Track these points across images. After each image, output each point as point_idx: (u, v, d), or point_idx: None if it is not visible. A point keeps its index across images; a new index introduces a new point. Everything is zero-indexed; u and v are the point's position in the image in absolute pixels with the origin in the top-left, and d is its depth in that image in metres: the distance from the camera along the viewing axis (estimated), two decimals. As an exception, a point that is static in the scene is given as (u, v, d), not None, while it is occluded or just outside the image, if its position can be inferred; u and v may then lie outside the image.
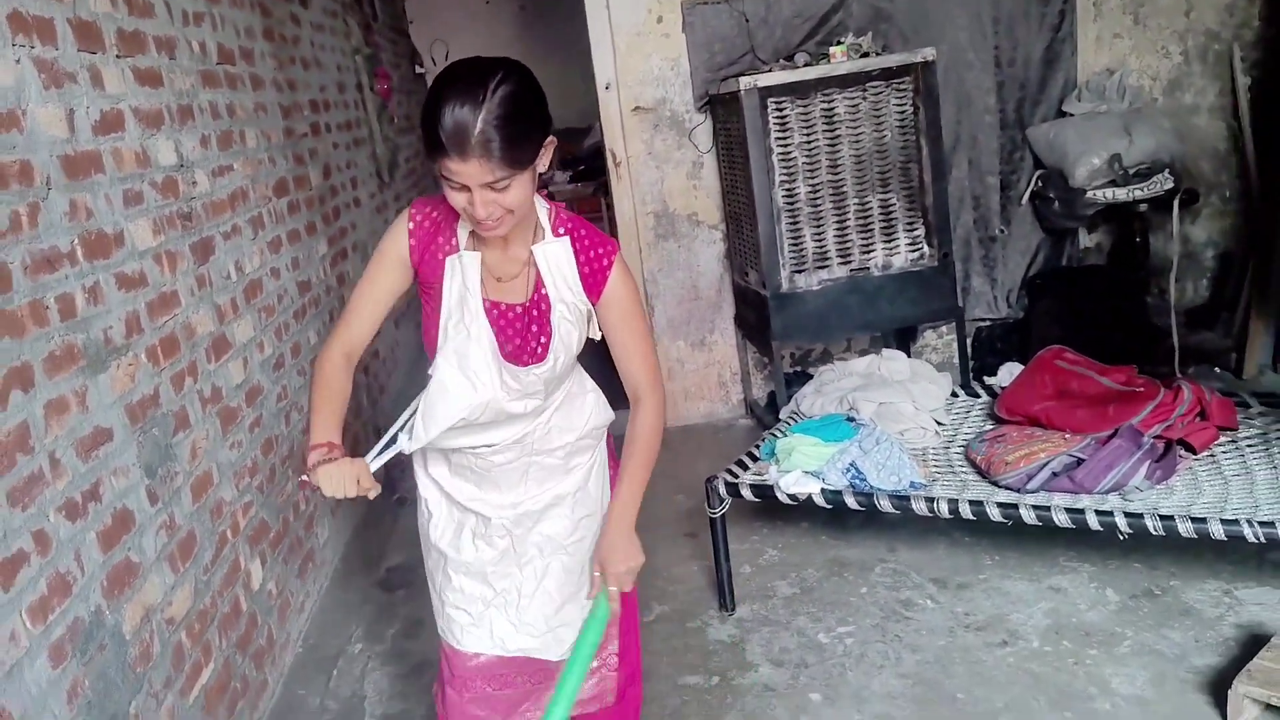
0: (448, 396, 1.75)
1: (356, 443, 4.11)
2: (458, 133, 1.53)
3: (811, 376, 4.11)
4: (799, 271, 4.01)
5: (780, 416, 3.71)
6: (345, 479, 1.66)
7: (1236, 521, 2.46)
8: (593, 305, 1.82)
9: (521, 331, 1.79)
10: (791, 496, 2.93)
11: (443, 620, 2.02)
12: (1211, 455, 2.93)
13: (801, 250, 4.00)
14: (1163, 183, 4.24)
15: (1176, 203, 4.30)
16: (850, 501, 2.88)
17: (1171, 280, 4.40)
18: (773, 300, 3.98)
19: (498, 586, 1.97)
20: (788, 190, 3.95)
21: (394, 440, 1.82)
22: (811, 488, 2.91)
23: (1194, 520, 2.49)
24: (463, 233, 1.77)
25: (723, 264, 4.67)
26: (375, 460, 1.75)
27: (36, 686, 1.75)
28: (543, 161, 1.66)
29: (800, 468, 2.97)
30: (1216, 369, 4.49)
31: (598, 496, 2.00)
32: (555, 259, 1.79)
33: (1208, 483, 2.78)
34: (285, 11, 3.96)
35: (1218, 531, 2.45)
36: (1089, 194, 4.31)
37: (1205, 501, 2.67)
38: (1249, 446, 2.95)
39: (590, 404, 1.98)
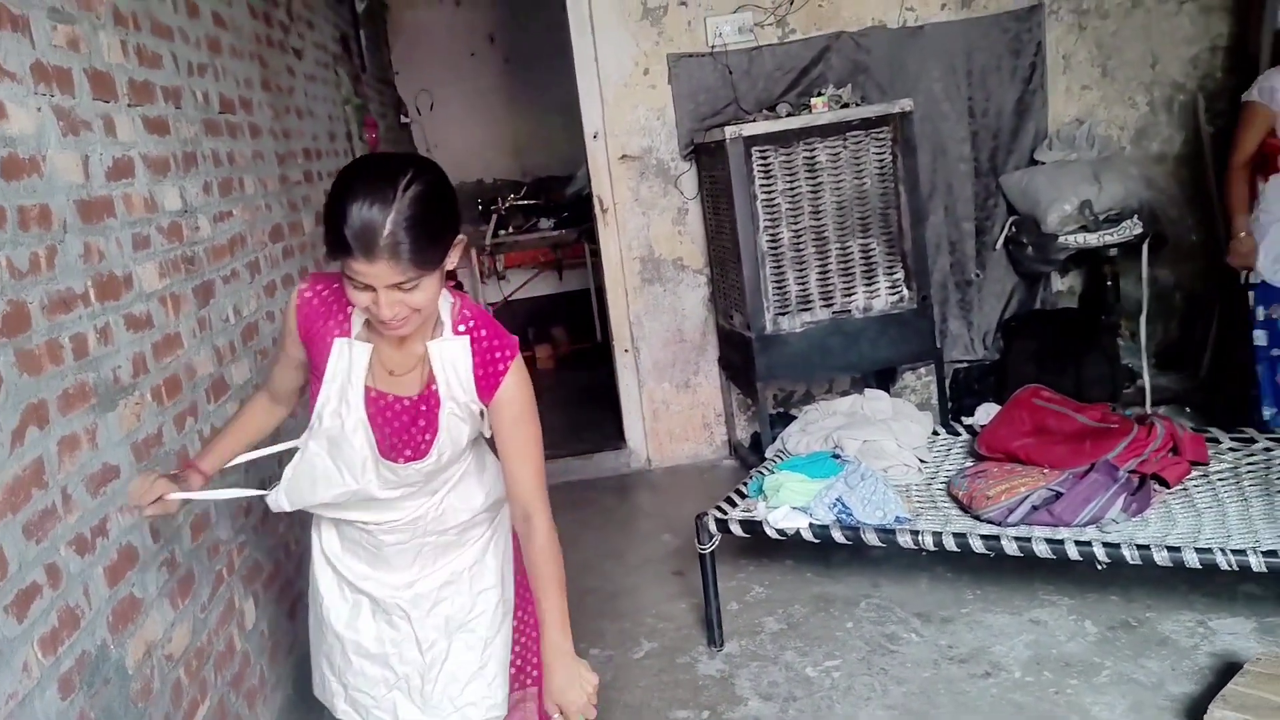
0: (315, 479, 1.77)
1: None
2: (365, 233, 1.49)
3: (794, 418, 4.20)
4: (783, 314, 4.11)
5: (766, 455, 3.79)
6: (139, 491, 1.87)
7: (1210, 550, 2.55)
8: (485, 406, 1.78)
9: (407, 425, 1.77)
10: (780, 532, 3.00)
11: (344, 702, 2.00)
12: (1184, 489, 3.03)
13: (785, 293, 4.11)
14: (1132, 228, 4.38)
15: (1145, 247, 4.45)
16: (837, 536, 2.95)
17: (1142, 322, 4.54)
18: (757, 342, 4.08)
19: (399, 670, 1.95)
20: (772, 235, 4.07)
21: (265, 486, 1.87)
22: (799, 523, 2.98)
23: (1169, 549, 2.58)
24: (358, 320, 1.74)
25: (707, 307, 4.78)
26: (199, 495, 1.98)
27: (46, 717, 1.79)
28: (451, 260, 1.64)
29: (788, 504, 3.04)
30: (1186, 408, 4.61)
31: (496, 568, 1.98)
32: (451, 358, 1.74)
33: (1181, 515, 2.88)
34: (281, 63, 4.06)
35: (1192, 560, 2.54)
36: (1061, 239, 4.45)
37: (1179, 532, 2.76)
38: (1220, 480, 3.05)
39: (489, 480, 1.95)
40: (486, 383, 1.75)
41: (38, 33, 2.06)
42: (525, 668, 2.03)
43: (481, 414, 1.79)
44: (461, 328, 1.75)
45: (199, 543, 2.57)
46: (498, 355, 1.75)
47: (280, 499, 1.85)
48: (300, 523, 3.45)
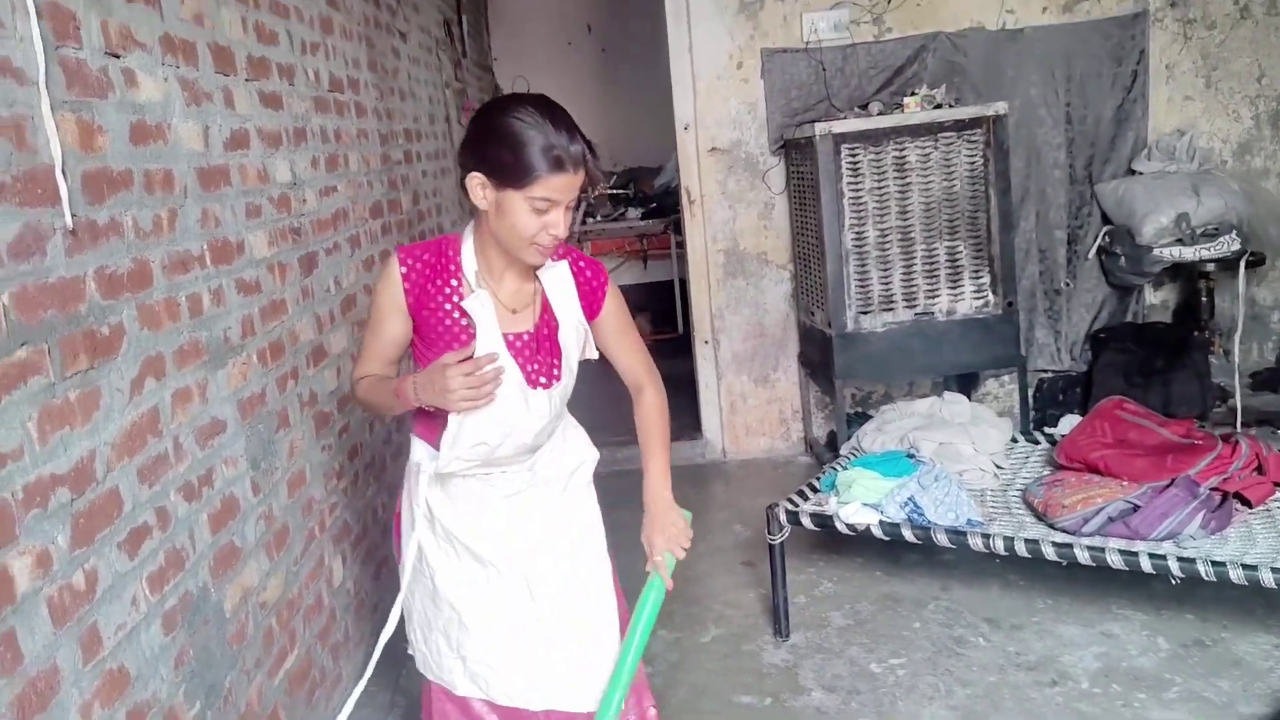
0: (470, 427, 1.85)
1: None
2: (578, 150, 1.71)
3: (871, 417, 4.20)
4: (865, 313, 4.12)
5: (841, 452, 3.81)
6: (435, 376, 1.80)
7: (1289, 571, 2.51)
8: (589, 323, 1.97)
9: (532, 357, 1.90)
10: (850, 527, 3.02)
11: (464, 678, 2.04)
12: (1267, 509, 2.97)
13: (868, 292, 4.12)
14: (1229, 244, 4.30)
15: (1243, 264, 4.34)
16: (907, 535, 2.97)
17: (1235, 341, 4.44)
18: (837, 340, 4.09)
19: (521, 641, 1.99)
20: (857, 234, 4.08)
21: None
22: (870, 519, 3.00)
23: (1245, 568, 2.55)
24: (469, 273, 1.88)
25: (789, 303, 4.80)
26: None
27: (150, 650, 1.91)
28: None
29: (860, 500, 3.06)
30: (1278, 431, 4.49)
31: (597, 543, 2.08)
32: (560, 283, 1.93)
33: (1262, 535, 2.83)
34: (387, 45, 4.19)
35: (1268, 579, 2.50)
36: (1155, 251, 4.38)
37: (1258, 552, 2.71)
38: (1306, 503, 2.99)
39: (579, 437, 2.10)
40: (589, 301, 1.96)
41: (167, 6, 2.19)
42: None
43: (587, 334, 1.98)
44: (557, 255, 1.93)
45: (294, 499, 2.70)
46: (595, 281, 1.97)
47: (443, 456, 1.91)
48: (387, 488, 3.58)
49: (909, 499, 3.01)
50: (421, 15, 4.98)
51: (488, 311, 1.86)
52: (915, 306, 4.14)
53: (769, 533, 3.10)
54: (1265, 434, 4.48)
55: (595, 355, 2.02)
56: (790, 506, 3.16)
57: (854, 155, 4.02)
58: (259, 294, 2.57)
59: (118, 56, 1.98)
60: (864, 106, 4.36)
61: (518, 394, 1.86)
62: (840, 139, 3.99)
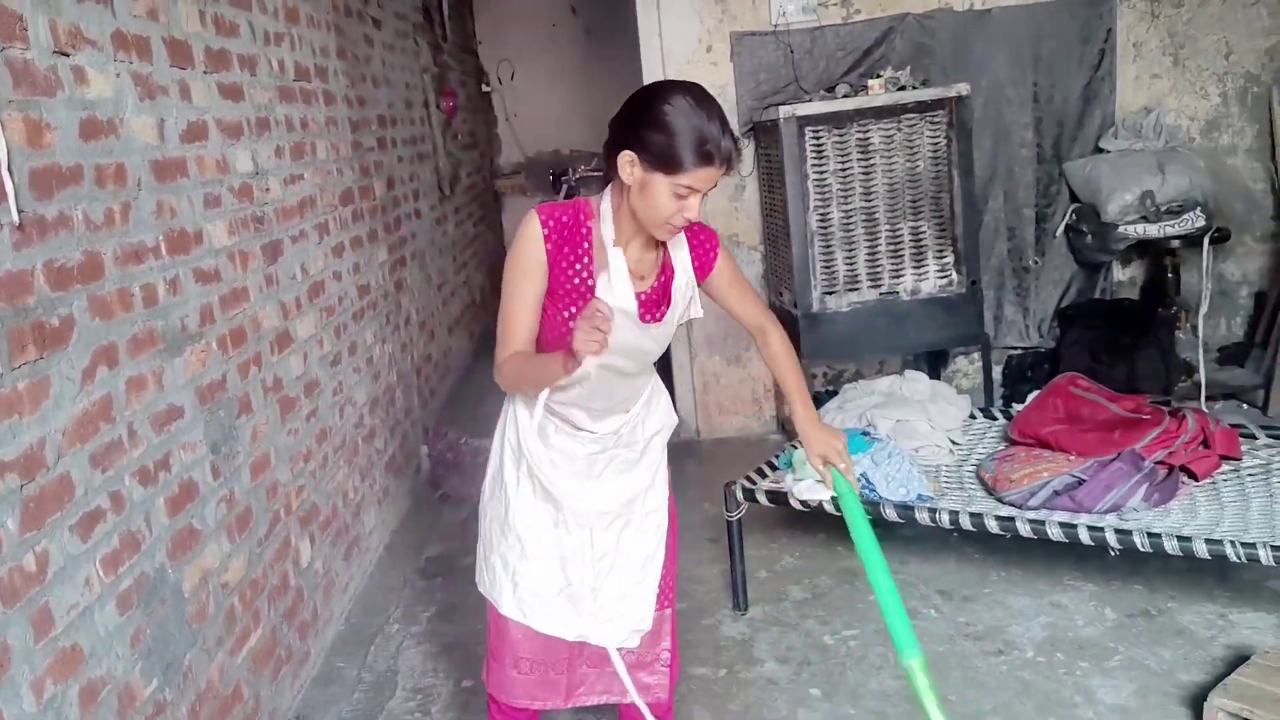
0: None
1: (405, 438, 4.35)
2: (728, 146, 1.83)
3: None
4: (830, 293, 4.18)
5: (803, 430, 3.87)
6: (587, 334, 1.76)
7: (1220, 541, 2.58)
8: (699, 283, 2.11)
9: (650, 310, 2.03)
10: (803, 503, 3.09)
11: (511, 600, 2.15)
12: (1213, 482, 3.04)
13: (833, 273, 4.18)
14: (1194, 220, 4.35)
15: (1207, 240, 4.40)
16: (859, 510, 3.04)
17: (1201, 316, 4.49)
18: (803, 320, 4.16)
19: (569, 575, 2.13)
20: (822, 215, 4.13)
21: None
22: (822, 495, 3.05)
23: (1180, 539, 2.62)
24: (607, 232, 1.96)
25: (761, 284, 4.85)
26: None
27: (104, 629, 1.99)
28: None
29: (812, 477, 3.12)
30: (1243, 405, 4.56)
31: (664, 495, 2.23)
32: (675, 246, 2.06)
33: (1204, 507, 2.90)
34: (359, 32, 4.23)
35: (1201, 550, 2.58)
36: (1120, 229, 4.43)
37: (1198, 524, 2.78)
38: (1250, 476, 3.06)
39: (665, 404, 2.25)
40: (701, 262, 2.10)
41: (119, 3, 2.24)
42: (665, 590, 2.24)
43: (694, 295, 2.12)
44: None
45: (258, 482, 2.77)
46: (708, 244, 2.12)
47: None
48: (359, 470, 3.65)
49: (861, 475, 3.08)
50: (397, 1, 5.01)
51: (620, 270, 1.96)
52: (880, 286, 4.20)
53: (726, 510, 3.18)
54: (1230, 408, 4.55)
55: (699, 314, 2.16)
56: (747, 484, 3.23)
57: (818, 138, 4.07)
58: (218, 282, 2.63)
59: (67, 55, 2.04)
60: (831, 89, 4.40)
61: (629, 329, 1.98)
62: (804, 122, 4.04)
